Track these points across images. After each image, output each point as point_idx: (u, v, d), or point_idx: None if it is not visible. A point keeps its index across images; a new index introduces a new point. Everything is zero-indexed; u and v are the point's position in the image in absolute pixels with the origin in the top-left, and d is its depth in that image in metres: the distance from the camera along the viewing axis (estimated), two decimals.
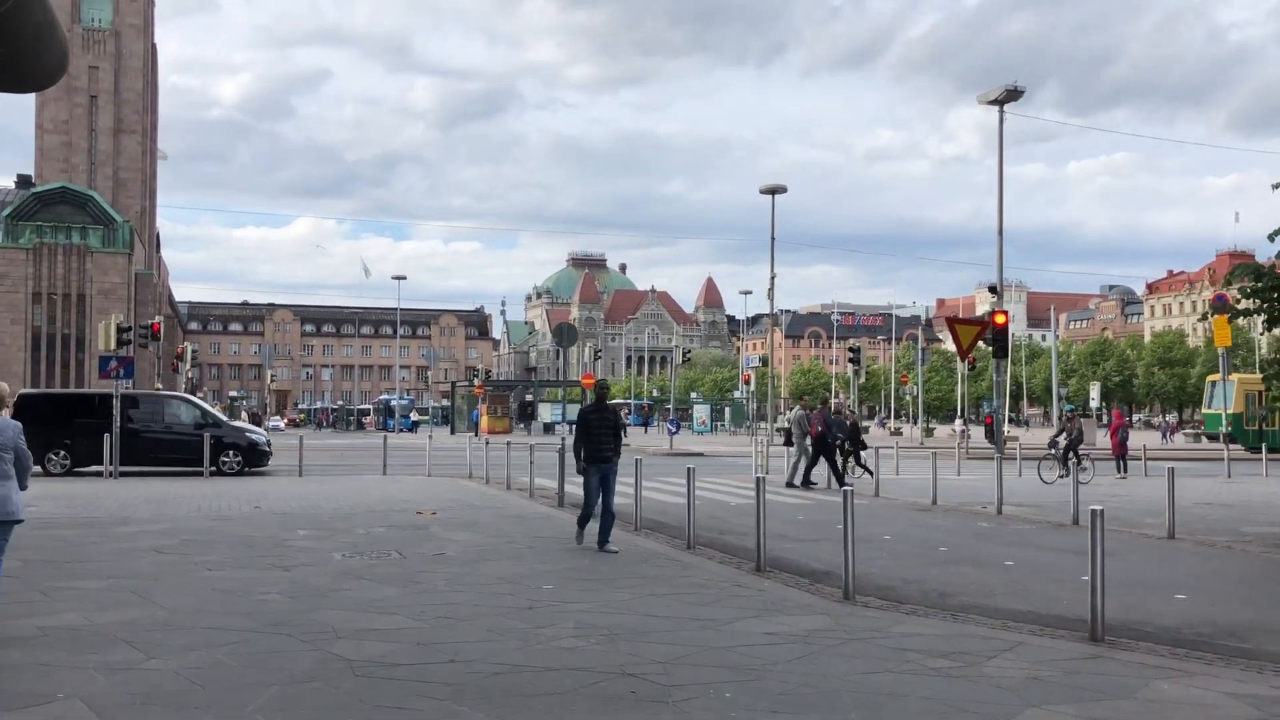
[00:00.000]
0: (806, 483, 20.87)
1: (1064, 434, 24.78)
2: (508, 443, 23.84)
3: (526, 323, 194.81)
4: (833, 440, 21.01)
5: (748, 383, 55.73)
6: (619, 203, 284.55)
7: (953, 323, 17.89)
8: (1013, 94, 36.87)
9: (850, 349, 32.70)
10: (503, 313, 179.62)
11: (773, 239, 45.98)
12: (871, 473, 20.86)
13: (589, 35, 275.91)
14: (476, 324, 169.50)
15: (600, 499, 11.60)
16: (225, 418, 27.16)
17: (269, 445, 25.03)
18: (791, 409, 26.04)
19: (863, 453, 22.33)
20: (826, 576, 10.06)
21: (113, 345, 21.88)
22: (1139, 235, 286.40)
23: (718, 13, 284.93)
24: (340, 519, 14.38)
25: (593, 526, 11.80)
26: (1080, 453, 23.51)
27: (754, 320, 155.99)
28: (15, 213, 73.83)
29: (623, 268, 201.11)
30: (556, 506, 16.31)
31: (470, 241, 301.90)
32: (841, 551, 8.97)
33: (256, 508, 15.69)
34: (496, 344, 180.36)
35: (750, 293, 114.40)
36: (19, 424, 7.15)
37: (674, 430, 37.13)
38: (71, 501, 16.47)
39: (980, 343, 18.22)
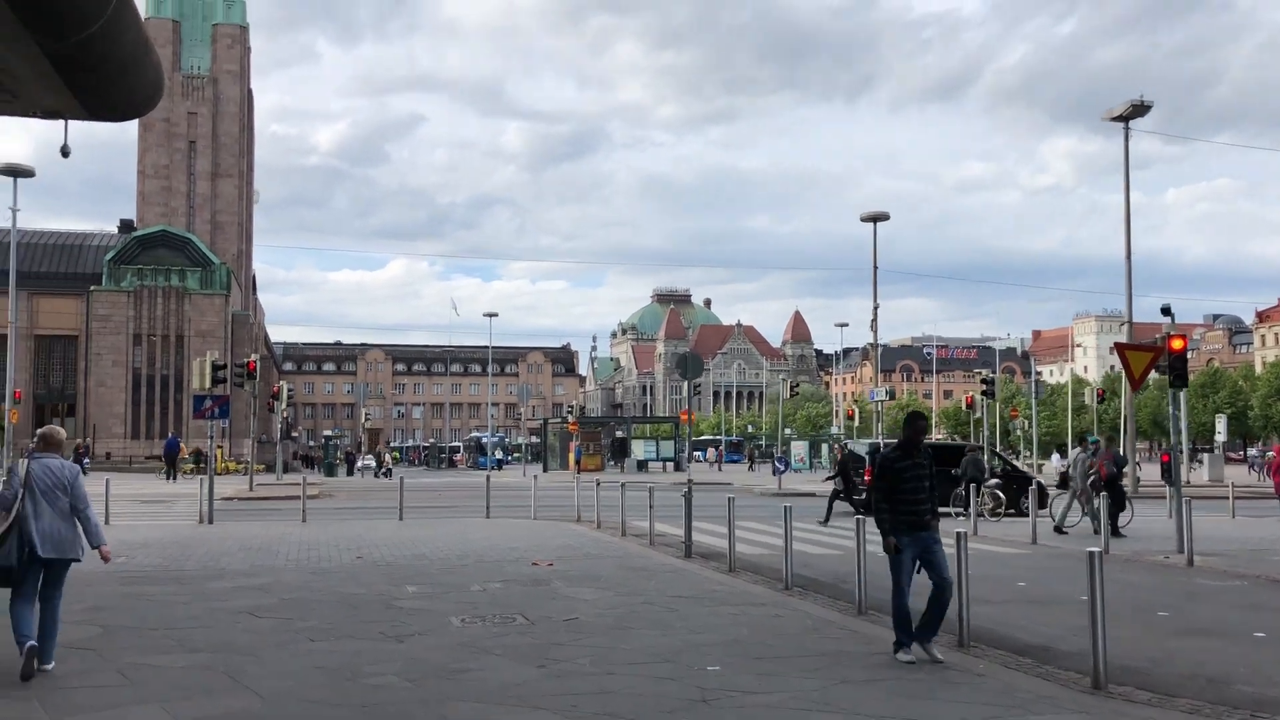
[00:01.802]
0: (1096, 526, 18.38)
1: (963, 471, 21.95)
2: (597, 481, 22.33)
3: (612, 359, 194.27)
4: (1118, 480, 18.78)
5: (850, 418, 53.50)
6: (704, 239, 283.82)
7: (1124, 349, 15.91)
8: (1139, 109, 34.32)
9: (984, 380, 30.54)
10: (593, 349, 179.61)
11: (875, 268, 44.07)
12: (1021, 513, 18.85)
13: (677, 75, 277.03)
14: (563, 361, 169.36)
15: (931, 580, 7.97)
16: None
17: None
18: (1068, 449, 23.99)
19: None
20: (1047, 653, 8.26)
21: (207, 384, 21.03)
22: (1241, 263, 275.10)
23: (805, 49, 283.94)
24: (450, 571, 12.96)
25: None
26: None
27: (845, 354, 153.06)
28: (117, 256, 75.32)
29: (707, 303, 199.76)
30: (683, 557, 14.67)
31: (557, 280, 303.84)
32: (1059, 618, 7.22)
33: (358, 558, 14.37)
34: (583, 380, 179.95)
35: (846, 325, 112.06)
36: (77, 467, 7.44)
37: (782, 469, 35.26)
38: (161, 549, 15.38)
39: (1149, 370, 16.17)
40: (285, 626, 9.11)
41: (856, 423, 56.03)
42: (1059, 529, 18.72)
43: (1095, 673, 6.97)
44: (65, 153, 14.45)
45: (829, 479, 22.69)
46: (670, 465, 59.83)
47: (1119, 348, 15.97)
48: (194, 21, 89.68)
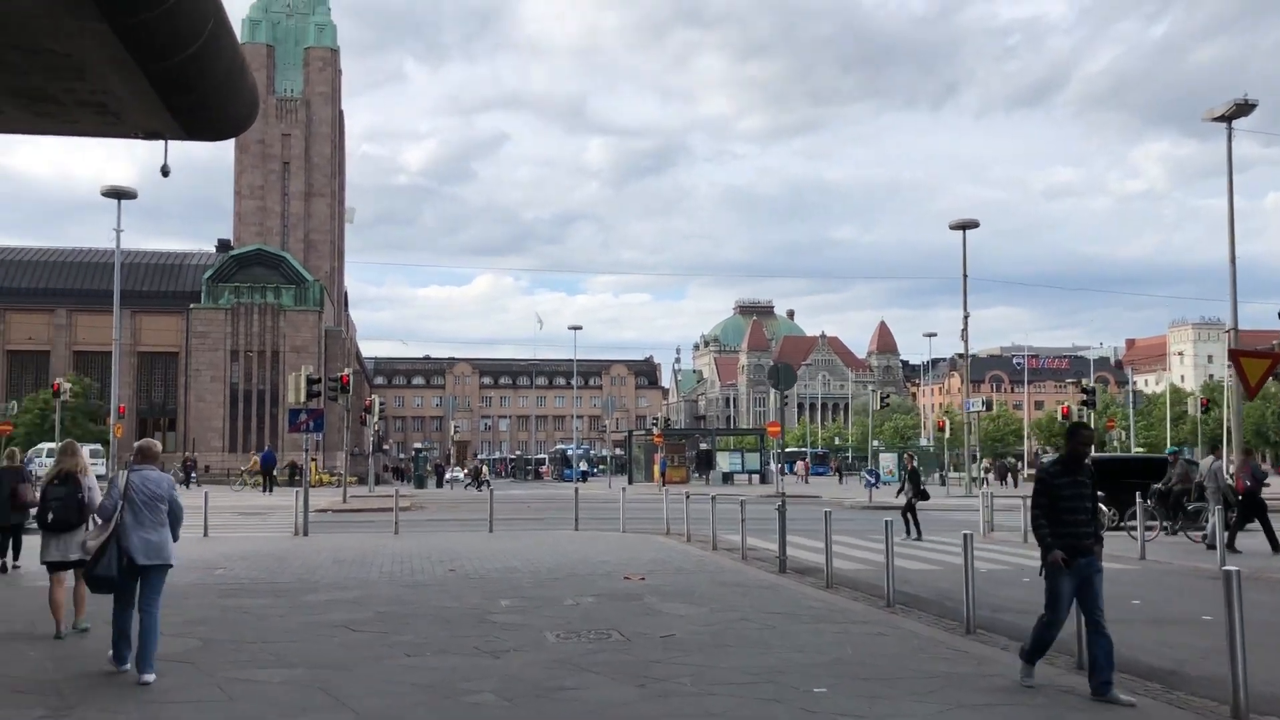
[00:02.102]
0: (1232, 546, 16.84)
1: (1168, 481, 20.32)
2: (686, 494, 22.03)
3: (695, 371, 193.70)
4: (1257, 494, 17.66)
5: (941, 429, 52.30)
6: (787, 250, 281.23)
7: (1238, 356, 15.11)
8: (1243, 108, 32.97)
9: (1084, 390, 29.50)
10: (676, 362, 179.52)
11: (964, 276, 43.03)
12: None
13: (760, 87, 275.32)
14: (646, 373, 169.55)
15: (1083, 613, 7.23)
16: None
17: None
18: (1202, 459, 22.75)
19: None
20: (1176, 678, 7.78)
21: (302, 398, 21.34)
22: None
23: (888, 58, 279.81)
24: (542, 585, 12.83)
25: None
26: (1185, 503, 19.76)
27: (931, 365, 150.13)
28: (215, 275, 77.54)
29: (790, 314, 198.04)
30: (777, 573, 14.32)
31: (640, 293, 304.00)
32: (1183, 639, 6.76)
33: (451, 571, 14.35)
34: (666, 393, 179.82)
35: (934, 335, 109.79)
36: (172, 478, 7.87)
37: (873, 482, 34.55)
38: (258, 561, 15.57)
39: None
40: (381, 641, 9.05)
41: (947, 434, 54.76)
42: (1230, 546, 16.58)
43: (1235, 702, 6.49)
44: (165, 172, 14.70)
45: (900, 492, 22.00)
46: (755, 477, 59.26)
47: (1233, 355, 15.18)
48: (287, 46, 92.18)
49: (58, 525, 8.87)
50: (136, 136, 13.56)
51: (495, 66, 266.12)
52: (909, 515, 20.89)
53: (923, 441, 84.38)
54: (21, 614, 10.32)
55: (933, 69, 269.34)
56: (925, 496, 21.34)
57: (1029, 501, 7.80)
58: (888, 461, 67.05)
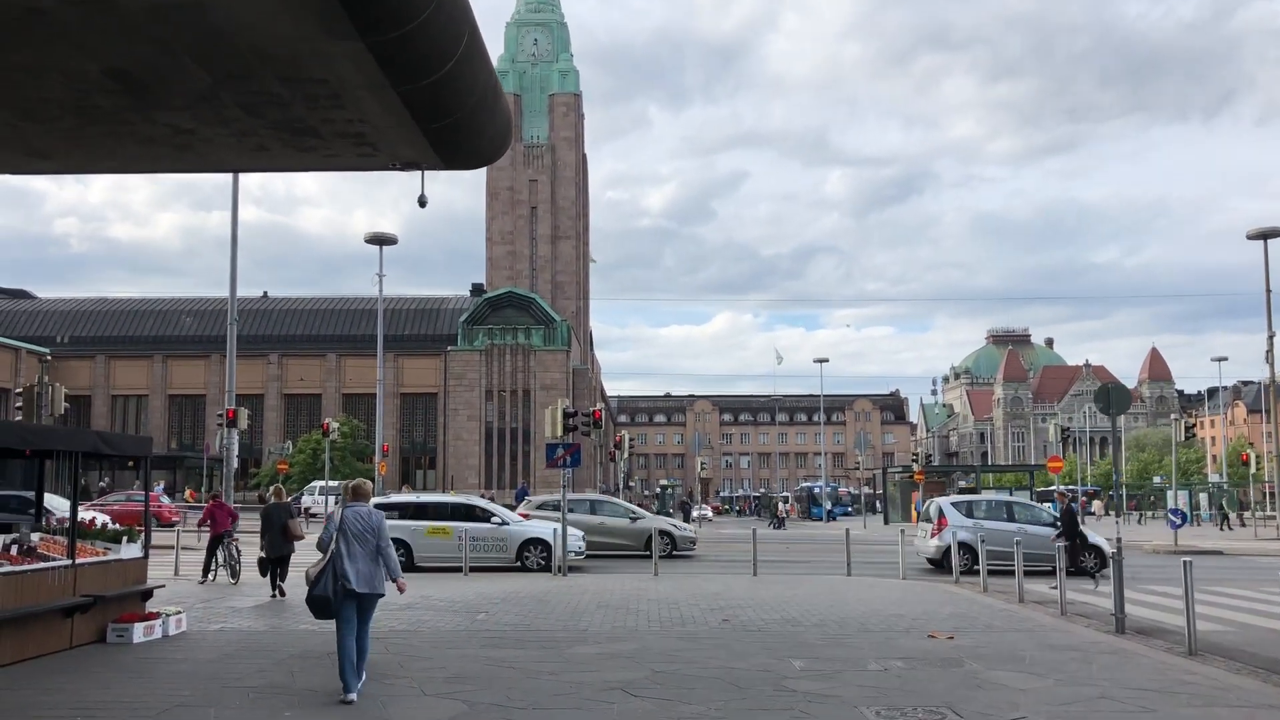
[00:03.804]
0: None
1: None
2: (980, 538, 19.60)
3: (944, 405, 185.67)
4: None
5: (1245, 462, 46.49)
6: (1042, 276, 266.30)
7: None
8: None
9: None
10: (934, 392, 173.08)
11: (1268, 290, 38.15)
12: None
13: (1011, 108, 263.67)
14: (892, 408, 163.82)
15: None
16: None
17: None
18: None
19: None
20: None
21: (559, 431, 20.64)
22: None
23: (1153, 69, 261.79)
24: (833, 643, 11.13)
25: None
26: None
27: (1210, 393, 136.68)
28: (470, 318, 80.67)
29: (1049, 342, 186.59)
30: (1113, 633, 11.98)
31: (883, 326, 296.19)
32: None
33: (725, 621, 12.88)
34: (913, 428, 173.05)
35: (1225, 359, 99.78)
36: (382, 514, 8.45)
37: (1179, 522, 30.50)
38: (520, 604, 14.67)
39: None
40: (666, 712, 7.65)
41: (1253, 468, 48.62)
42: None
43: None
44: (423, 203, 14.24)
45: (1057, 537, 18.60)
46: None
47: None
48: (533, 94, 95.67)
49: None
50: (394, 168, 13.20)
51: (735, 106, 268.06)
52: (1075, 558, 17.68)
53: (1212, 477, 76.02)
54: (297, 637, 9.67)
55: (1205, 77, 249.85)
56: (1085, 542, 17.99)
57: None
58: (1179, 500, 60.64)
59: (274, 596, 15.42)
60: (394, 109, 10.44)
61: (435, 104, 10.30)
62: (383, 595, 8.26)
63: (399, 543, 18.63)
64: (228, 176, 32.44)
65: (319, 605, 8.04)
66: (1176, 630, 11.87)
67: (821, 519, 65.29)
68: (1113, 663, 10.02)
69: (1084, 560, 19.55)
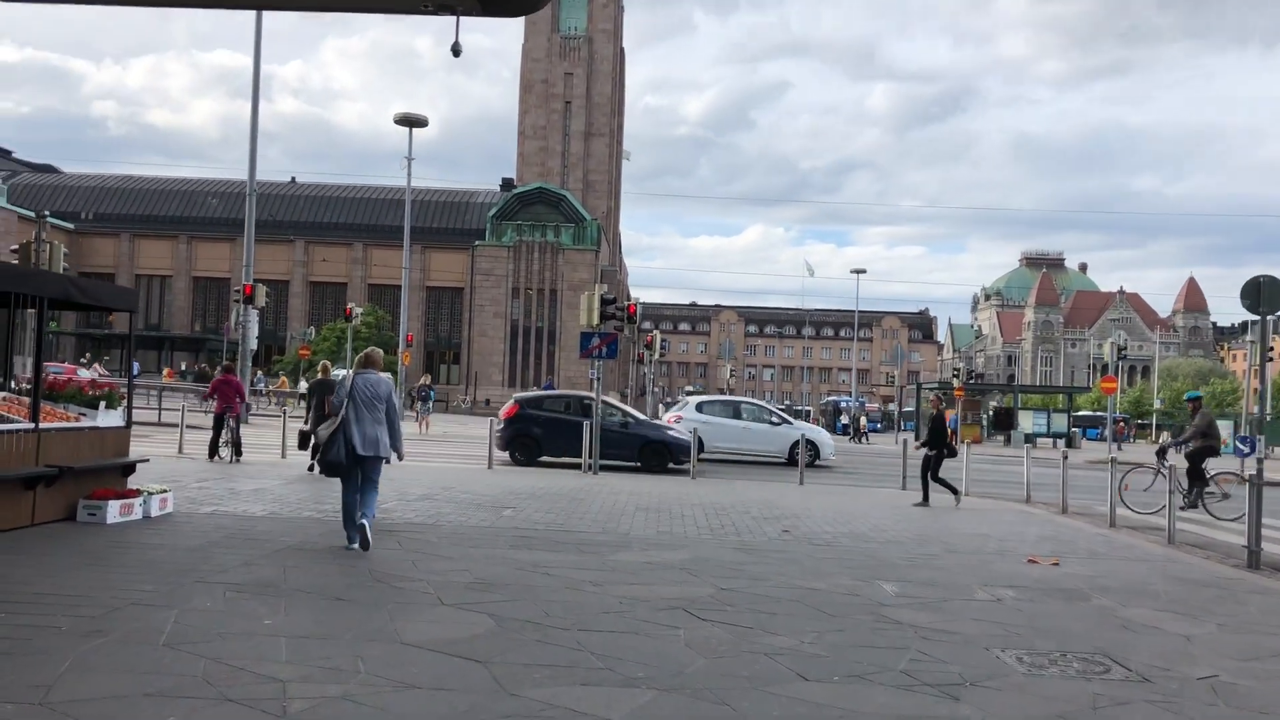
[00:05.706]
0: None
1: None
2: (1064, 454, 17.91)
3: (973, 326, 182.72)
4: None
5: None
6: (1081, 201, 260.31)
7: None
8: None
9: None
10: (974, 309, 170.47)
11: None
12: None
13: (1064, 28, 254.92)
14: (920, 327, 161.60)
15: None
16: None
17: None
18: None
19: None
20: None
21: (595, 320, 18.92)
22: None
23: None
24: (919, 564, 9.48)
25: None
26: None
27: (1244, 327, 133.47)
28: (499, 213, 78.50)
29: (1083, 267, 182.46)
30: (1246, 567, 10.29)
31: (915, 245, 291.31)
32: None
33: (785, 532, 11.27)
34: (940, 348, 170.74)
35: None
36: (392, 381, 8.93)
37: (1247, 450, 28.60)
38: (552, 501, 13.13)
39: None
40: (747, 643, 6.01)
41: None
42: None
43: None
44: (456, 51, 12.27)
45: (920, 446, 16.44)
46: (1061, 441, 53.05)
47: None
48: None
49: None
50: (426, 12, 11.46)
51: (784, 12, 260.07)
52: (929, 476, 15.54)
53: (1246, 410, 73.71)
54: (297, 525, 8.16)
55: (1268, 2, 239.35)
56: (953, 454, 15.73)
57: None
58: (1222, 431, 58.63)
59: (310, 470, 15.36)
60: None
61: None
62: (386, 459, 8.70)
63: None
64: (267, 49, 30.30)
65: (331, 468, 8.60)
66: None
67: (841, 433, 63.75)
68: (1266, 602, 8.34)
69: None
